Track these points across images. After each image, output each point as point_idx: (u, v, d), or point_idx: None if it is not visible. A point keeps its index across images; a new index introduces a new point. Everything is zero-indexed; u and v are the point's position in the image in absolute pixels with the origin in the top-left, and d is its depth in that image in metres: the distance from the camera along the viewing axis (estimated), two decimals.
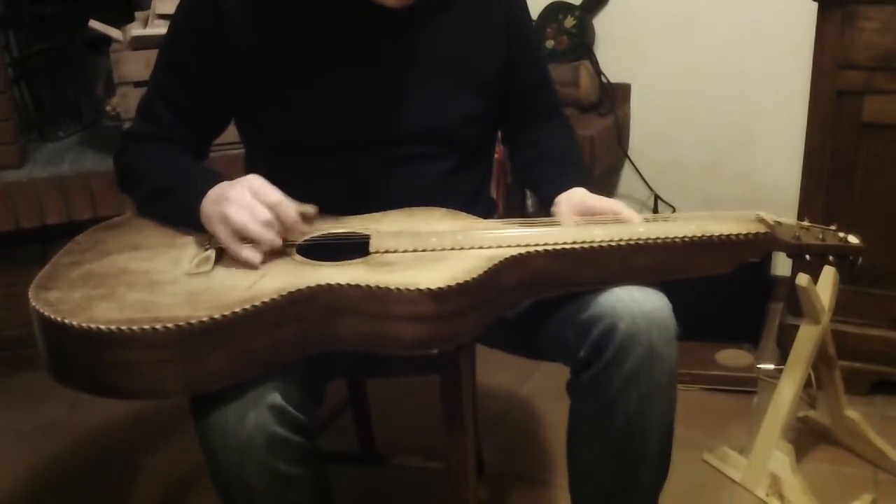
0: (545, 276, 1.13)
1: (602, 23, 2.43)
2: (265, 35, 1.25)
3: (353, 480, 1.62)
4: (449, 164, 1.31)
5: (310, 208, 1.13)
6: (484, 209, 1.37)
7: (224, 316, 0.97)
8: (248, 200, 1.10)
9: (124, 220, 1.27)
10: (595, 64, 2.37)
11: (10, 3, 2.30)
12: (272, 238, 1.10)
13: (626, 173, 2.53)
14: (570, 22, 2.40)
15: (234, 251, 1.10)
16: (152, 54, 1.34)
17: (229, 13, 1.24)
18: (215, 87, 1.28)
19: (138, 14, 2.19)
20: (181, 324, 0.96)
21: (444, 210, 1.24)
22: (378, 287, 1.02)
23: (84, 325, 0.97)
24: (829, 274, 1.63)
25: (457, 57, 1.29)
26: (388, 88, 1.27)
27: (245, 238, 1.10)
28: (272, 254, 1.11)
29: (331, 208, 1.22)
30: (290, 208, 1.11)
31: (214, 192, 1.14)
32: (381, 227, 1.19)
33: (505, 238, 1.14)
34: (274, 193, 1.12)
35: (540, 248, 1.11)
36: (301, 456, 1.06)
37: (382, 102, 1.26)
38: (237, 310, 0.98)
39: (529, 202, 2.20)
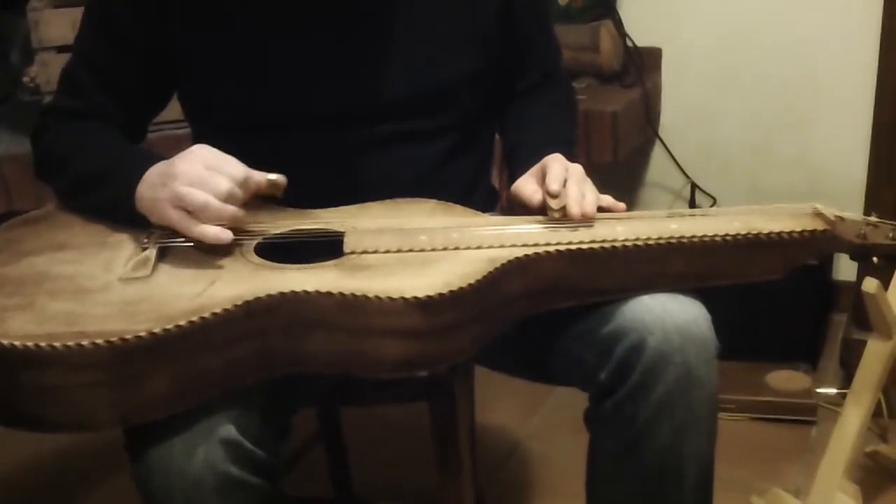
0: (558, 282, 1.13)
1: None
2: None
3: None
4: (444, 143, 1.32)
5: (279, 178, 1.14)
6: (484, 200, 1.37)
7: (166, 330, 0.97)
8: (202, 174, 1.11)
9: (45, 214, 1.27)
10: (619, 24, 2.37)
11: None
12: (234, 212, 1.11)
13: (657, 157, 2.54)
14: None
15: (197, 233, 1.10)
16: (79, 13, 1.34)
17: None
18: (155, 53, 1.28)
19: None
20: (114, 340, 0.96)
21: (434, 202, 1.24)
22: (355, 295, 1.02)
23: None
24: None
25: (451, 2, 1.30)
26: (370, 44, 1.27)
27: (203, 220, 1.11)
28: (224, 254, 1.11)
29: (299, 199, 1.22)
30: (258, 182, 1.12)
31: (155, 174, 1.14)
32: (358, 222, 1.19)
33: (509, 236, 1.14)
34: (234, 165, 1.12)
35: (552, 249, 1.12)
36: (260, 501, 1.06)
37: (364, 62, 1.27)
38: (182, 323, 0.98)
39: None
